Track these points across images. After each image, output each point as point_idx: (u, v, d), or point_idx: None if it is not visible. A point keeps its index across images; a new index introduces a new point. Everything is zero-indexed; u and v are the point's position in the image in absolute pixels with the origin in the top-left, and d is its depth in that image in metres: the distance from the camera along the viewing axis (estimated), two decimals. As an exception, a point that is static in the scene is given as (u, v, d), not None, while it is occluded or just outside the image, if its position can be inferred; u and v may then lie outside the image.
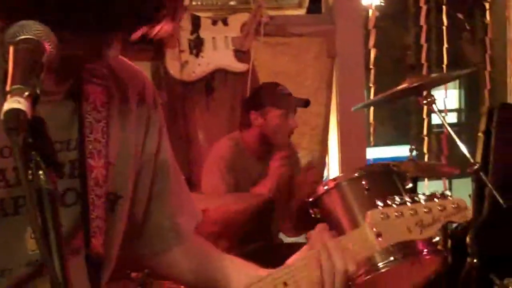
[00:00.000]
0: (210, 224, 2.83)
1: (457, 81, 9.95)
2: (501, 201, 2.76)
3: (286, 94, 3.35)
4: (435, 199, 1.47)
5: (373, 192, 2.64)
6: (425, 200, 1.46)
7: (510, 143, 4.79)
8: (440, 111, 3.16)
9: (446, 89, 4.99)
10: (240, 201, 3.06)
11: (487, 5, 4.88)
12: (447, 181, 5.17)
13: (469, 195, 4.23)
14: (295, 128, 3.32)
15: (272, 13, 4.29)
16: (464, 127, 9.32)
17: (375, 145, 5.38)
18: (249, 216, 3.05)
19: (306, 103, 3.43)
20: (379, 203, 1.44)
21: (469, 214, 1.49)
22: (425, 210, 1.44)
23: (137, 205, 1.37)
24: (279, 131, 3.25)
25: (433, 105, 2.91)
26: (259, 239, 3.23)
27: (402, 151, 8.11)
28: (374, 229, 1.41)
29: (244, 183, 3.19)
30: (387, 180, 2.75)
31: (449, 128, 3.01)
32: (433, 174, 3.70)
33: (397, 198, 1.46)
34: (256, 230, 3.18)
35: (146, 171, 1.38)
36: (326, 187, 2.77)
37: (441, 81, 3.66)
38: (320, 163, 4.39)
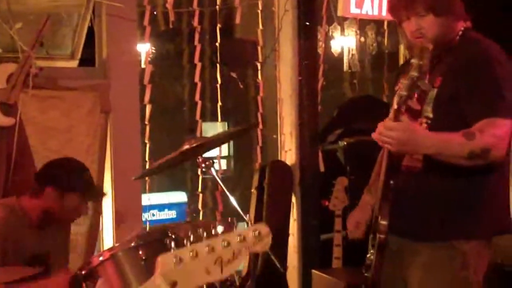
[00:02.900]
0: None
1: (226, 128, 10.30)
2: (281, 268, 2.78)
3: (90, 183, 3.19)
4: (233, 229, 1.34)
5: (150, 262, 2.50)
6: (222, 232, 1.32)
7: (281, 199, 4.98)
8: (217, 171, 3.15)
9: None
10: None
11: (259, 66, 5.05)
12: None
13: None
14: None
15: (42, 64, 4.05)
16: (237, 175, 9.63)
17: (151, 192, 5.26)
18: None
19: (102, 195, 3.30)
20: (173, 244, 1.29)
21: (269, 241, 1.37)
22: (224, 244, 1.29)
23: None
24: (69, 213, 3.11)
25: (212, 169, 2.88)
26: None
27: (177, 197, 8.14)
28: (168, 279, 1.23)
29: (14, 256, 2.91)
30: (165, 249, 2.64)
31: (225, 189, 3.00)
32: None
33: (192, 237, 1.31)
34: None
35: None
36: (100, 258, 2.60)
37: (219, 141, 3.67)
38: (95, 221, 4.19)
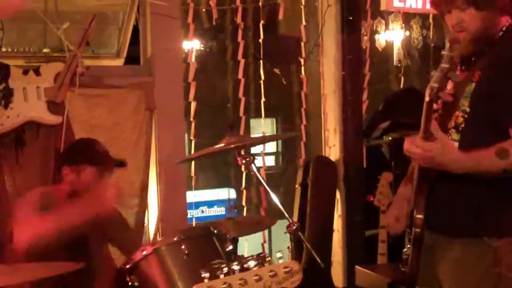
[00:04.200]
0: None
1: (273, 126, 10.33)
2: (321, 264, 2.79)
3: (102, 151, 3.20)
4: (265, 264, 1.36)
5: (192, 257, 2.58)
6: (255, 266, 1.34)
7: (325, 195, 4.97)
8: (259, 169, 3.16)
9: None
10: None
11: (302, 61, 5.05)
12: (266, 232, 5.21)
13: (288, 247, 4.30)
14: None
15: (88, 63, 4.13)
16: (282, 171, 9.64)
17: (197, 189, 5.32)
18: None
19: (122, 163, 3.30)
20: (205, 274, 1.32)
21: (300, 277, 1.40)
22: (255, 278, 1.33)
23: None
24: (91, 189, 3.10)
25: (252, 165, 2.90)
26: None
27: (226, 193, 8.20)
28: None
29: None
30: (207, 244, 2.69)
31: (266, 186, 3.01)
32: (253, 229, 3.70)
33: (224, 267, 1.33)
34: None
35: None
36: (144, 253, 2.65)
37: (259, 143, 3.69)
38: (140, 217, 4.26)
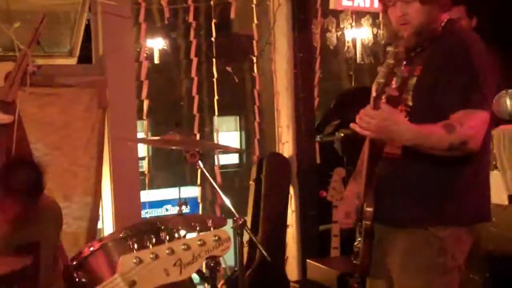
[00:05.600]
0: None
1: (237, 123, 10.38)
2: (267, 257, 2.85)
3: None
4: (195, 233, 1.38)
5: (139, 253, 2.59)
6: (184, 236, 1.36)
7: (279, 191, 5.04)
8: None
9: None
10: None
11: (254, 59, 5.11)
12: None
13: (246, 242, 4.37)
14: None
15: (41, 62, 4.12)
16: (246, 168, 9.69)
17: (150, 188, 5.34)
18: None
19: None
20: (135, 245, 1.34)
21: (230, 245, 1.42)
22: (183, 247, 1.35)
23: None
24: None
25: (199, 162, 2.95)
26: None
27: (191, 191, 8.20)
28: (127, 279, 1.30)
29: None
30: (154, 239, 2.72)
31: (214, 183, 3.07)
32: (203, 227, 3.73)
33: (154, 238, 1.35)
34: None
35: None
36: (91, 249, 2.68)
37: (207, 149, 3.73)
38: (94, 216, 4.28)
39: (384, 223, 2.64)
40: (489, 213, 2.68)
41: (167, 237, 1.33)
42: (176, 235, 1.35)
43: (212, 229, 1.39)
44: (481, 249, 3.44)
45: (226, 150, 3.68)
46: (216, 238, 1.40)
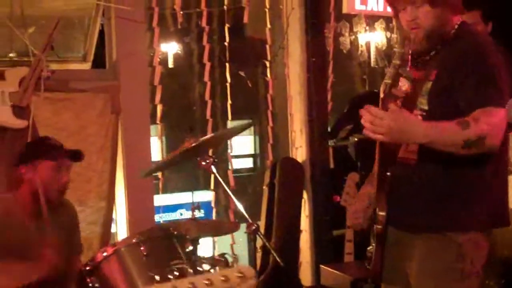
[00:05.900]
0: None
1: (252, 128, 10.36)
2: (281, 263, 2.84)
3: (57, 146, 3.22)
4: (217, 268, 1.35)
5: (152, 258, 2.59)
6: (208, 271, 1.34)
7: (292, 196, 5.03)
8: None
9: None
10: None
11: (267, 64, 5.11)
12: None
13: (259, 247, 4.35)
14: (68, 184, 3.20)
15: (55, 67, 4.15)
16: (260, 172, 9.68)
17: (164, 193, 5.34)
18: None
19: (77, 154, 3.30)
20: (156, 276, 1.33)
21: (254, 283, 1.39)
22: (206, 282, 1.29)
23: None
24: (50, 184, 3.10)
25: (212, 167, 2.95)
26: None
27: (205, 196, 8.20)
28: None
29: (17, 245, 3.00)
30: (167, 245, 2.71)
31: (227, 188, 3.05)
32: (216, 232, 3.74)
33: (175, 269, 1.33)
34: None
35: None
36: (104, 254, 2.68)
37: (220, 140, 3.73)
38: (107, 221, 4.30)
39: (401, 228, 2.61)
40: (508, 217, 2.65)
41: (191, 270, 1.29)
42: (200, 268, 1.29)
43: (235, 265, 1.34)
44: (496, 254, 3.40)
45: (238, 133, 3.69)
46: (241, 275, 1.32)
